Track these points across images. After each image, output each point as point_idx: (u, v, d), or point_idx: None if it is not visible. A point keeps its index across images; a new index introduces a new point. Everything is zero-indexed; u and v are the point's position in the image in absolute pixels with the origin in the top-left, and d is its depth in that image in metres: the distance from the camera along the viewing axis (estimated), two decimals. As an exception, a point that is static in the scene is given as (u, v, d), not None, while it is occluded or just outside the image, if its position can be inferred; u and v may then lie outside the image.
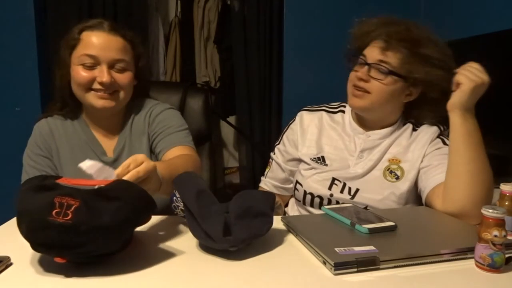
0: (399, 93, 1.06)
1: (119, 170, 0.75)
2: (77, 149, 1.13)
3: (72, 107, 1.15)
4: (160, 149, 1.13)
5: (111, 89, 1.07)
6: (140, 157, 0.78)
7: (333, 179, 1.09)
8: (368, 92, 1.05)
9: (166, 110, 1.19)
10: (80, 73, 1.05)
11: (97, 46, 1.05)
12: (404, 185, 1.06)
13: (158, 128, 1.15)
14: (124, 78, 1.09)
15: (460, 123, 0.95)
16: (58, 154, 1.14)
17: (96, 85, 1.06)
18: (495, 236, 0.66)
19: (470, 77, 0.94)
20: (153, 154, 1.17)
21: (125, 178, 0.73)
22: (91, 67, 1.05)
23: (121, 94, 1.10)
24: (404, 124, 1.13)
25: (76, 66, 1.06)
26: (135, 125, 1.17)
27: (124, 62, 1.09)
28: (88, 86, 1.06)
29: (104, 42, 1.06)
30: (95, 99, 1.07)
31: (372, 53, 1.06)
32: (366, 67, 1.05)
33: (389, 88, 1.04)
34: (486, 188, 0.93)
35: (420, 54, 1.02)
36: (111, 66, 1.07)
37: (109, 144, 1.16)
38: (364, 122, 1.14)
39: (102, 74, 1.04)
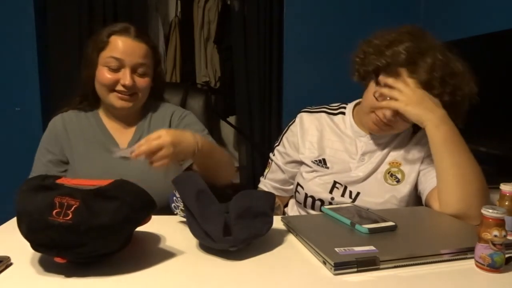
0: None
1: (142, 141, 0.94)
2: (91, 142, 1.20)
3: (91, 101, 1.24)
4: None
5: (131, 91, 1.16)
6: (156, 134, 0.94)
7: (335, 182, 1.09)
8: (391, 126, 1.03)
9: (189, 114, 1.30)
10: (105, 75, 1.14)
11: (123, 51, 1.14)
12: (405, 188, 1.06)
13: (185, 129, 1.21)
14: (144, 82, 1.18)
15: (433, 131, 0.95)
16: (71, 148, 1.20)
17: (119, 87, 1.15)
18: (495, 236, 0.66)
19: (397, 97, 0.95)
20: None
21: (142, 147, 0.92)
22: (115, 70, 1.14)
23: (139, 96, 1.19)
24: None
25: (102, 67, 1.15)
26: (154, 121, 1.26)
27: (146, 67, 1.18)
28: (111, 87, 1.15)
29: (130, 47, 1.15)
30: (115, 100, 1.16)
31: None
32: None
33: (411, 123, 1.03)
34: (477, 188, 0.92)
35: (454, 100, 0.99)
36: (133, 70, 1.16)
37: (123, 138, 1.23)
38: None
39: (125, 78, 1.14)
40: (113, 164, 1.16)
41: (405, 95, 0.95)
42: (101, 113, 1.26)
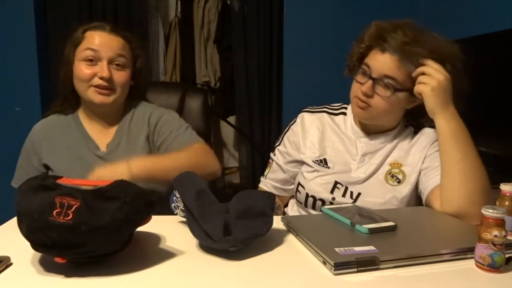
0: (403, 103, 1.05)
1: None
2: (71, 145, 1.20)
3: (71, 102, 1.23)
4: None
5: (109, 84, 1.14)
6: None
7: (336, 182, 1.09)
8: (368, 104, 1.04)
9: (167, 113, 1.26)
10: (82, 70, 1.13)
11: (99, 43, 1.14)
12: (405, 189, 1.06)
13: (163, 131, 1.22)
14: (122, 75, 1.17)
15: (443, 125, 0.97)
16: (53, 153, 1.19)
17: (96, 81, 1.13)
18: (495, 236, 0.66)
19: (426, 81, 0.96)
20: (154, 150, 1.23)
21: None
22: (92, 62, 1.13)
23: (118, 90, 1.17)
24: (405, 127, 1.13)
25: (79, 62, 1.14)
26: (134, 123, 1.23)
27: (123, 58, 1.17)
28: (89, 82, 1.14)
29: (106, 39, 1.15)
30: (94, 95, 1.14)
31: (377, 65, 1.02)
32: (370, 81, 1.02)
33: (393, 102, 1.03)
34: (480, 185, 0.93)
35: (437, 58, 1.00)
36: (110, 62, 1.14)
37: (103, 140, 1.21)
38: (366, 126, 1.13)
39: (103, 70, 1.13)
40: (93, 167, 1.15)
41: (436, 80, 0.96)
42: (81, 115, 1.24)
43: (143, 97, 1.32)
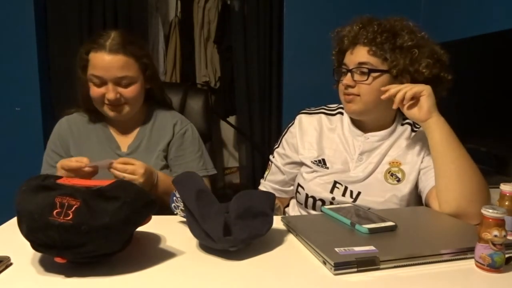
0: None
1: (120, 160, 1.07)
2: (95, 144, 1.25)
3: (94, 112, 1.27)
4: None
5: (118, 103, 1.19)
6: (133, 168, 1.05)
7: (335, 182, 1.09)
8: (358, 95, 1.07)
9: (189, 130, 1.31)
10: (93, 91, 1.18)
11: (101, 67, 1.15)
12: (405, 187, 1.06)
13: (183, 147, 1.29)
14: (130, 92, 1.19)
15: (440, 125, 0.98)
16: (78, 148, 1.24)
17: (106, 100, 1.17)
18: (495, 236, 0.66)
19: (424, 87, 0.99)
20: (169, 157, 1.29)
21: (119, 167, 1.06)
22: (100, 85, 1.16)
23: (130, 104, 1.21)
24: (402, 125, 1.13)
25: (90, 83, 1.18)
26: (157, 127, 1.29)
27: (128, 78, 1.18)
28: (101, 101, 1.19)
29: (106, 63, 1.15)
30: (108, 111, 1.20)
31: (351, 58, 1.09)
32: (349, 73, 1.08)
33: (376, 86, 1.05)
34: (477, 184, 0.93)
35: (395, 44, 1.05)
36: (116, 83, 1.17)
37: (124, 141, 1.27)
38: (362, 124, 1.14)
39: (109, 92, 1.16)
40: None
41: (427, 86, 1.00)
42: (104, 119, 1.29)
43: (163, 97, 1.35)
